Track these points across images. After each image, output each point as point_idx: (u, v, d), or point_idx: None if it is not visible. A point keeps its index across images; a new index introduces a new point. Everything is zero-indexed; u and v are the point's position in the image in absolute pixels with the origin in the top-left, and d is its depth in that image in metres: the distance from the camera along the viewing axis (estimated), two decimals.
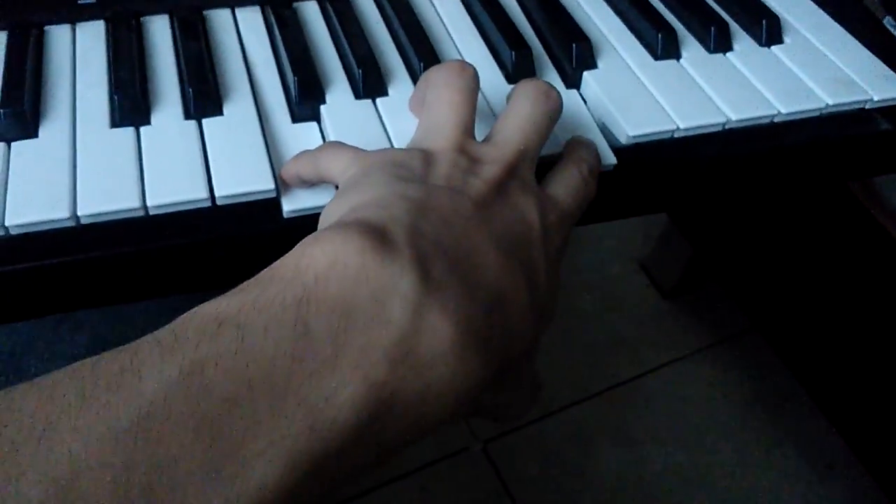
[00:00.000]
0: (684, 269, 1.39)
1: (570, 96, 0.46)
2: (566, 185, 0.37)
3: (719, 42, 0.51)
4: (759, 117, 0.46)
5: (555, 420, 1.28)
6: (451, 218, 0.30)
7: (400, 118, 0.43)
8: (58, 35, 0.46)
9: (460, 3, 0.53)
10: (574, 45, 0.48)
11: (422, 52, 0.47)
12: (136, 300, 0.37)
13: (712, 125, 0.45)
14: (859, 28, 0.53)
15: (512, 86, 0.41)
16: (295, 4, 0.51)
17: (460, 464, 1.21)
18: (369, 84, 0.45)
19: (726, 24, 0.51)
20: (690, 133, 0.45)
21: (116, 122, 0.40)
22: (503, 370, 0.30)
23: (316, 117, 0.43)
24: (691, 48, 0.51)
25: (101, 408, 0.23)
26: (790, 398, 1.31)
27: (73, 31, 0.47)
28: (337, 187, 0.36)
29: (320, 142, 0.42)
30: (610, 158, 0.42)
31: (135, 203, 0.36)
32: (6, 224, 0.35)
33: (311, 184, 0.38)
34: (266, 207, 0.38)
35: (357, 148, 0.36)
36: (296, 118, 0.43)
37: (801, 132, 0.47)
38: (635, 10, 0.52)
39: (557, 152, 0.40)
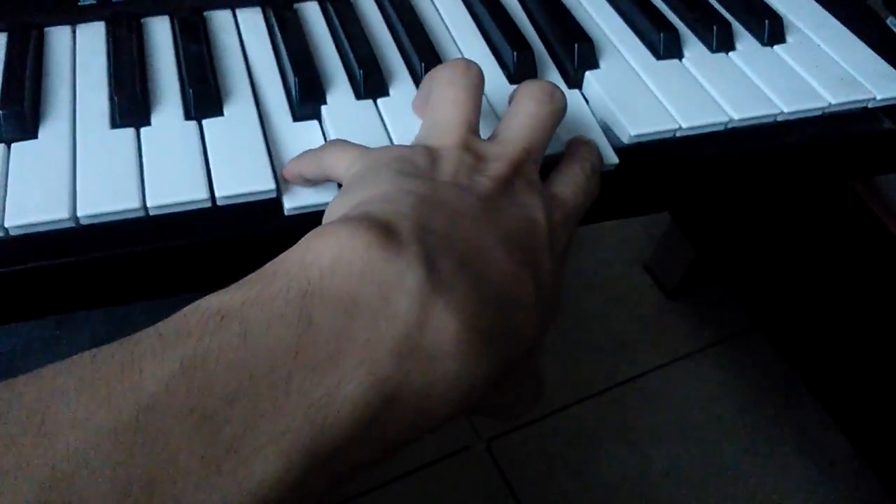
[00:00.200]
0: (687, 270, 1.39)
1: (572, 96, 0.46)
2: (570, 183, 0.37)
3: (722, 42, 0.51)
4: (762, 116, 0.46)
5: (558, 419, 1.28)
6: (458, 214, 0.30)
7: (401, 118, 0.43)
8: (58, 36, 0.46)
9: (461, 3, 0.53)
10: (576, 45, 0.48)
11: (423, 52, 0.47)
12: (136, 301, 0.37)
13: (715, 124, 0.45)
14: (862, 27, 0.53)
15: (514, 86, 0.41)
16: (296, 5, 0.51)
17: (463, 462, 1.21)
18: (370, 84, 0.44)
19: (728, 24, 0.51)
20: (693, 132, 0.45)
21: (116, 122, 0.40)
22: (507, 368, 0.29)
23: (317, 118, 0.43)
24: (694, 48, 0.51)
25: (101, 400, 0.23)
26: (793, 397, 1.31)
27: (74, 32, 0.47)
28: (340, 186, 0.36)
29: (321, 142, 0.42)
30: (612, 158, 0.42)
31: (135, 203, 0.36)
32: (6, 225, 0.35)
33: (314, 183, 0.38)
34: (266, 208, 0.38)
35: (361, 145, 0.36)
36: (297, 118, 0.43)
37: (804, 131, 0.47)
38: (637, 10, 0.52)
39: (559, 152, 0.40)
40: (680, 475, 1.24)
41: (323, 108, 0.43)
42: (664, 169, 0.45)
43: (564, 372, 1.33)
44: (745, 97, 0.46)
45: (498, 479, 1.19)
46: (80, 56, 0.45)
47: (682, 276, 1.41)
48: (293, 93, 0.43)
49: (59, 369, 0.24)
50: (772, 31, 0.51)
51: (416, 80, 0.46)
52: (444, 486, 1.18)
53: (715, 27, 0.50)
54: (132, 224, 0.36)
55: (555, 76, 0.48)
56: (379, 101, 0.44)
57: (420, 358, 0.26)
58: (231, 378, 0.23)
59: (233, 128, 0.41)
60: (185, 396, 0.23)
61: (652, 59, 0.49)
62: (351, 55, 0.46)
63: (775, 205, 1.05)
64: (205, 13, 0.49)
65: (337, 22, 0.49)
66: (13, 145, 0.39)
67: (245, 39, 0.48)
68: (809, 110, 0.47)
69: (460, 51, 0.49)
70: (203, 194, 0.37)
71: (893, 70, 0.50)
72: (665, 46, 0.50)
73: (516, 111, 0.37)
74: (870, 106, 0.48)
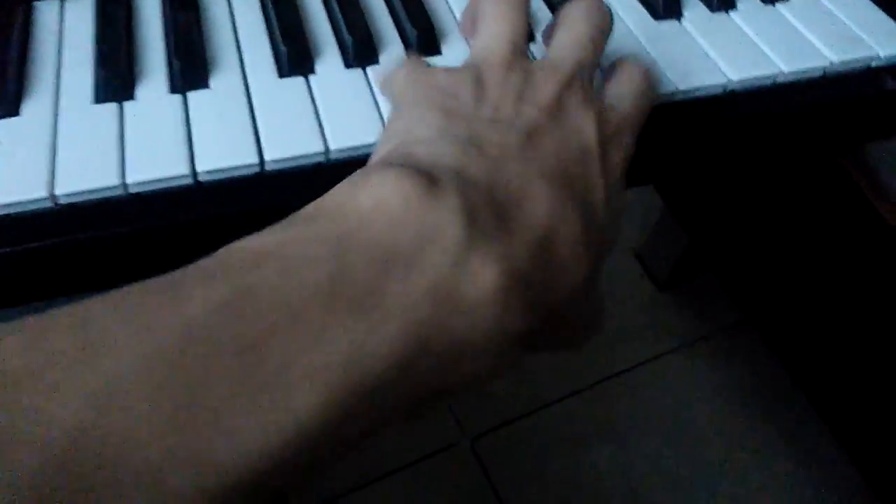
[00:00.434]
0: (679, 260, 1.36)
1: None
2: (628, 87, 0.36)
3: (723, 0, 0.49)
4: (761, 77, 0.45)
5: (545, 414, 1.27)
6: (500, 158, 0.30)
7: None
8: (46, 11, 0.46)
9: None
10: None
11: (416, 18, 0.46)
12: (118, 285, 0.36)
13: (713, 86, 0.44)
14: None
15: None
16: None
17: (447, 460, 1.20)
18: (360, 53, 0.44)
19: None
20: (690, 96, 0.44)
21: (100, 97, 0.40)
22: (555, 309, 0.29)
23: (306, 88, 0.42)
24: (694, 7, 0.49)
25: (143, 325, 0.23)
26: (781, 392, 1.30)
27: (62, 5, 0.46)
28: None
29: (309, 112, 0.41)
30: None
31: (114, 181, 0.35)
32: None
33: None
34: (251, 182, 0.38)
35: (417, 65, 0.36)
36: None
37: (805, 93, 0.46)
38: None
39: None
40: (665, 471, 1.23)
41: (311, 77, 0.43)
42: (660, 134, 0.44)
43: (551, 366, 1.31)
44: (745, 57, 0.45)
45: (482, 478, 1.19)
46: (67, 31, 0.44)
47: (674, 266, 1.38)
48: (283, 63, 0.43)
49: (100, 299, 0.24)
50: None
51: (407, 47, 0.45)
52: (426, 485, 1.17)
53: None
54: (113, 203, 0.36)
55: None
56: (368, 69, 0.43)
57: (457, 309, 0.26)
58: (271, 313, 0.24)
59: (218, 100, 0.40)
60: (226, 328, 0.23)
61: (650, 19, 0.48)
62: (342, 22, 0.45)
63: (771, 194, 1.02)
64: None
65: None
66: None
67: (235, 9, 0.47)
68: (810, 69, 0.45)
69: (455, 17, 0.48)
70: (184, 169, 0.36)
71: None
72: (664, 6, 0.48)
73: (565, 27, 0.36)
74: (873, 65, 0.47)
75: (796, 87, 0.46)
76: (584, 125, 0.32)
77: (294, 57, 0.43)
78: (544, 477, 1.21)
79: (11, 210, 0.35)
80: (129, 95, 0.40)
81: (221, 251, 0.26)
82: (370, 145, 0.39)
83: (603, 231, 0.32)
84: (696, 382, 1.34)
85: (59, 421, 0.21)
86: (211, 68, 0.42)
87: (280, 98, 0.41)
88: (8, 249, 0.34)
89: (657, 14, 0.48)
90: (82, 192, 0.35)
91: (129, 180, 0.35)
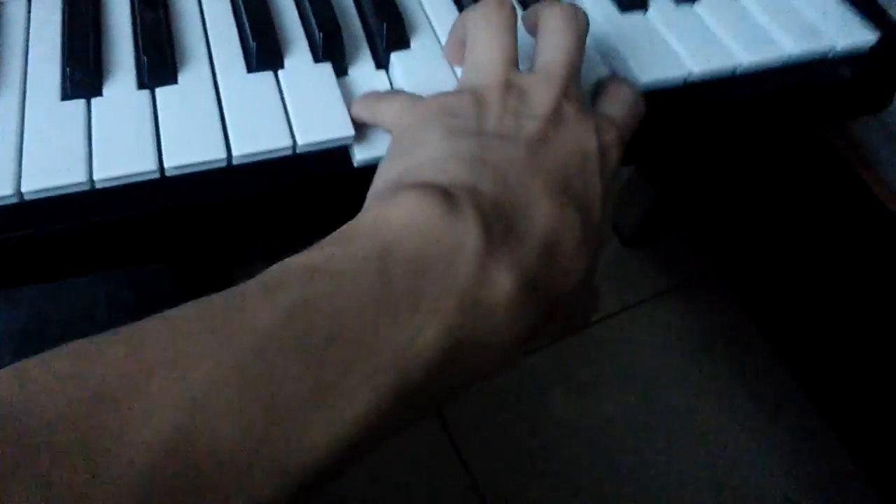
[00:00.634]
0: (645, 216, 1.38)
1: None
2: (620, 101, 0.39)
3: None
4: (721, 69, 0.45)
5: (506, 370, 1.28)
6: (506, 172, 0.32)
7: (360, 85, 0.43)
8: (13, 5, 0.46)
9: None
10: None
11: (384, 12, 0.46)
12: (81, 275, 0.37)
13: (674, 79, 0.45)
14: None
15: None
16: None
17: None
18: (329, 48, 0.44)
19: None
20: (652, 87, 0.45)
21: (67, 94, 0.40)
22: (559, 302, 0.32)
23: (274, 82, 0.43)
24: (658, 1, 0.50)
25: (223, 339, 0.26)
26: (744, 341, 1.32)
27: (29, 2, 0.46)
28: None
29: (278, 106, 0.41)
30: None
31: (81, 177, 0.36)
32: None
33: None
34: (217, 177, 0.38)
35: (411, 95, 0.38)
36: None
37: (764, 83, 0.46)
38: None
39: None
40: (627, 420, 1.25)
41: (280, 72, 0.43)
42: None
43: None
44: (706, 49, 0.46)
45: (440, 431, 1.20)
46: (34, 27, 0.44)
47: (640, 222, 1.40)
48: (251, 56, 0.43)
49: (187, 313, 0.27)
50: None
51: (373, 46, 0.45)
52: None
53: None
54: (78, 198, 0.36)
55: None
56: (337, 63, 0.44)
57: (480, 312, 0.29)
58: (327, 324, 0.27)
59: (186, 96, 0.41)
60: (292, 336, 0.26)
61: (615, 11, 0.49)
62: (311, 17, 0.45)
63: (736, 152, 1.04)
64: None
65: None
66: None
67: (204, 3, 0.47)
68: (770, 61, 0.46)
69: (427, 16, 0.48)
70: (151, 165, 0.37)
71: (854, 16, 0.49)
72: None
73: (546, 35, 0.38)
74: (830, 56, 0.48)
75: (756, 77, 0.46)
76: (585, 133, 0.35)
77: (263, 51, 0.43)
78: (506, 428, 1.23)
79: None
80: (97, 91, 0.40)
81: (275, 267, 0.29)
82: (338, 139, 0.40)
83: (600, 229, 0.34)
84: (660, 334, 1.36)
85: (160, 425, 0.23)
86: (179, 64, 0.43)
87: (249, 93, 0.42)
88: None
89: (623, 6, 0.49)
90: (47, 189, 0.35)
91: (96, 177, 0.36)
